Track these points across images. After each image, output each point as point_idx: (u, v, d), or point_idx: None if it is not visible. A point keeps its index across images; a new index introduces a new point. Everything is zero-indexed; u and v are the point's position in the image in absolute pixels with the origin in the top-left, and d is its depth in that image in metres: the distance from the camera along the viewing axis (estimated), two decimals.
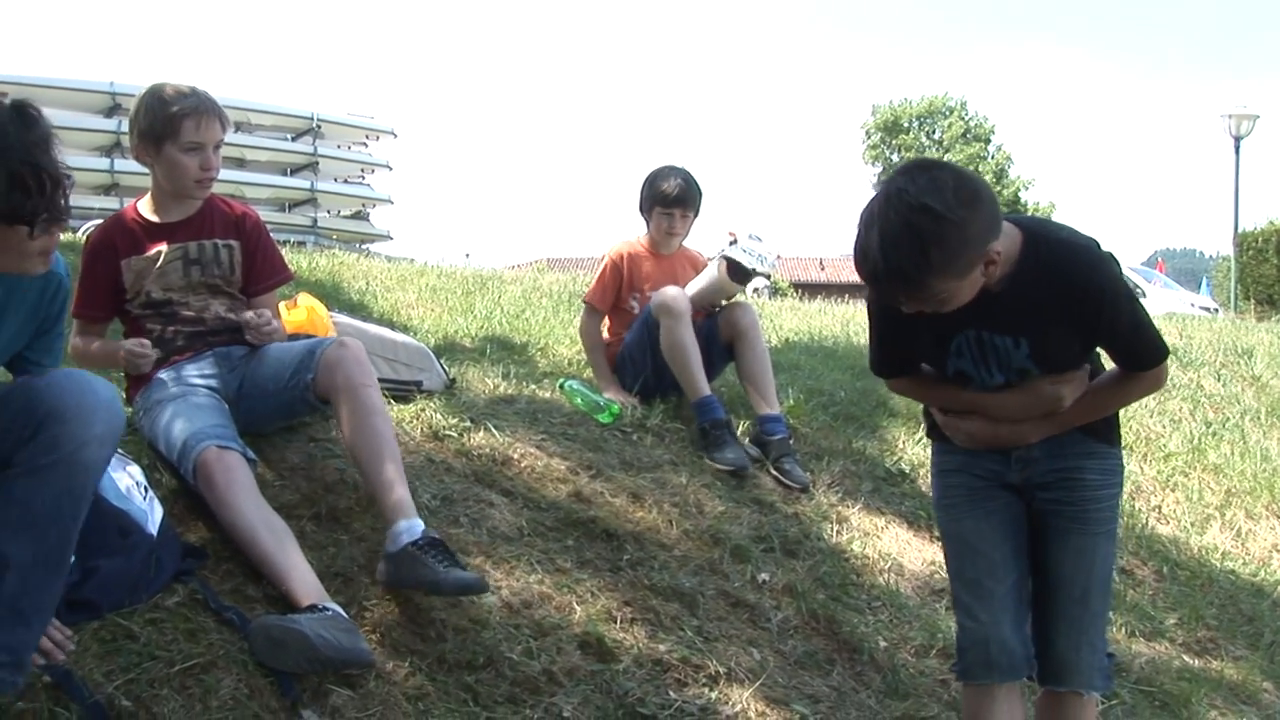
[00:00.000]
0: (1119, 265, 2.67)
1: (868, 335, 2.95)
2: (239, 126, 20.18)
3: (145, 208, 3.63)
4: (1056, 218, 48.01)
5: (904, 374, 2.95)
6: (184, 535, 3.09)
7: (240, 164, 19.61)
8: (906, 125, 50.65)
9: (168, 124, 3.41)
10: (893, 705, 3.45)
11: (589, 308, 5.28)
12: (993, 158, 48.13)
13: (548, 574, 3.47)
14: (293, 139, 21.07)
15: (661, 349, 4.78)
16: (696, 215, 5.23)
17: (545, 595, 3.35)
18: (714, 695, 3.20)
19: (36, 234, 2.17)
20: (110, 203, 18.23)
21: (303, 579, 2.90)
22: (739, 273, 4.79)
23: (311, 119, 20.88)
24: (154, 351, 3.40)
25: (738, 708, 3.17)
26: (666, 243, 5.21)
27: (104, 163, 18.81)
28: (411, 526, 3.07)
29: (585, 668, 3.11)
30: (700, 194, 5.19)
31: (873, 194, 2.44)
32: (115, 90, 19.02)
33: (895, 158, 50.79)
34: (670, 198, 5.10)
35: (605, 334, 5.29)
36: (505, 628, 3.14)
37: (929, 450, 5.34)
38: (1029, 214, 3.94)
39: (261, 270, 3.73)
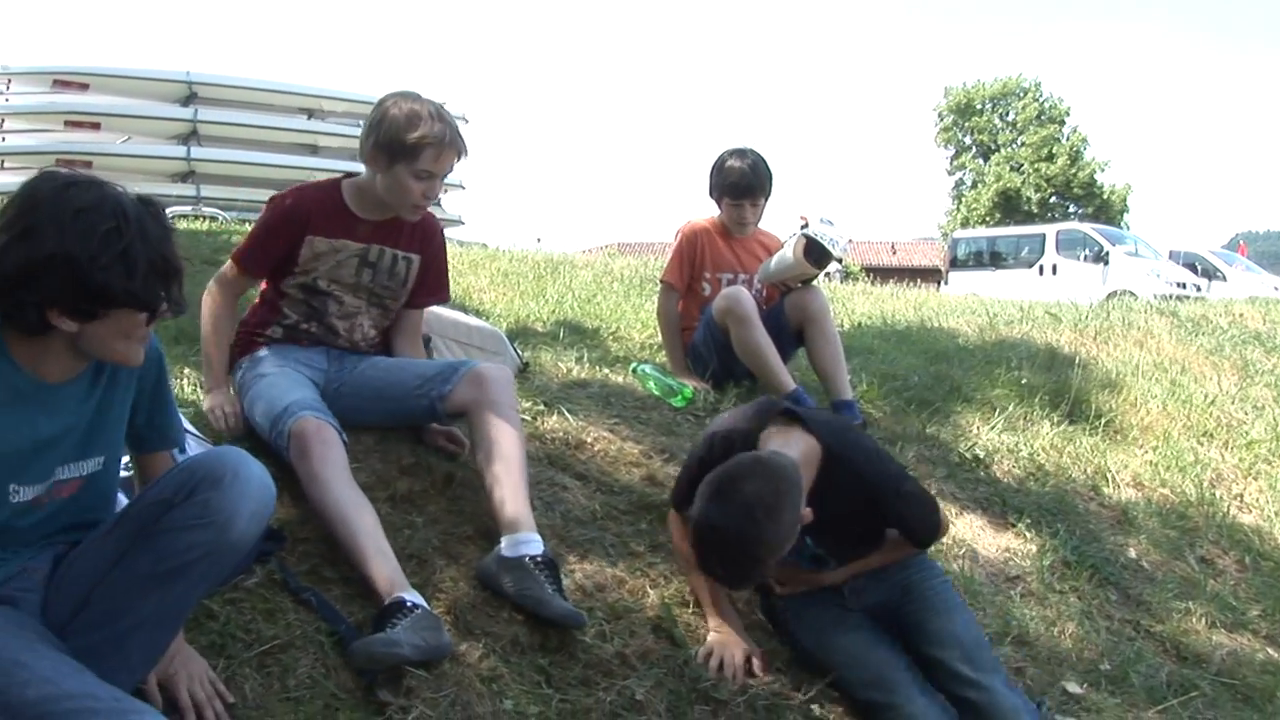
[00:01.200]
0: (901, 467, 3.27)
1: (680, 475, 3.38)
2: (311, 113, 20.26)
3: (349, 194, 3.56)
4: (1133, 200, 47.24)
5: None
6: None
7: (313, 150, 19.66)
8: (979, 107, 49.89)
9: (409, 149, 3.33)
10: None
11: (666, 287, 5.20)
12: (1067, 139, 47.27)
13: (621, 557, 3.47)
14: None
15: (736, 353, 4.74)
16: (768, 199, 5.13)
17: (618, 579, 3.36)
18: (786, 680, 3.19)
19: (151, 321, 2.22)
20: (186, 189, 18.36)
21: (386, 567, 2.88)
22: (816, 254, 4.67)
23: None
24: (235, 429, 3.41)
25: (809, 694, 3.15)
26: (739, 229, 5.13)
27: (180, 150, 18.91)
28: (533, 541, 3.08)
29: (658, 651, 3.11)
30: (770, 177, 5.07)
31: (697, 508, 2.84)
32: (191, 79, 19.11)
33: (968, 140, 50.16)
34: (739, 188, 5.02)
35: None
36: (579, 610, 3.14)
37: (1002, 437, 5.32)
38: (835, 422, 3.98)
39: (428, 287, 3.76)
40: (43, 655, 2.08)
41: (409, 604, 2.75)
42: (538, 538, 3.11)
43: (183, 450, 2.87)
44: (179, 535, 2.20)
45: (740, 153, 5.06)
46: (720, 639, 3.18)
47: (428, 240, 3.68)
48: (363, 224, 3.53)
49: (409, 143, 3.31)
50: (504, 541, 3.10)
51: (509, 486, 3.19)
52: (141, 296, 2.13)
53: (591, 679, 2.92)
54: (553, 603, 2.95)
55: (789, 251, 4.74)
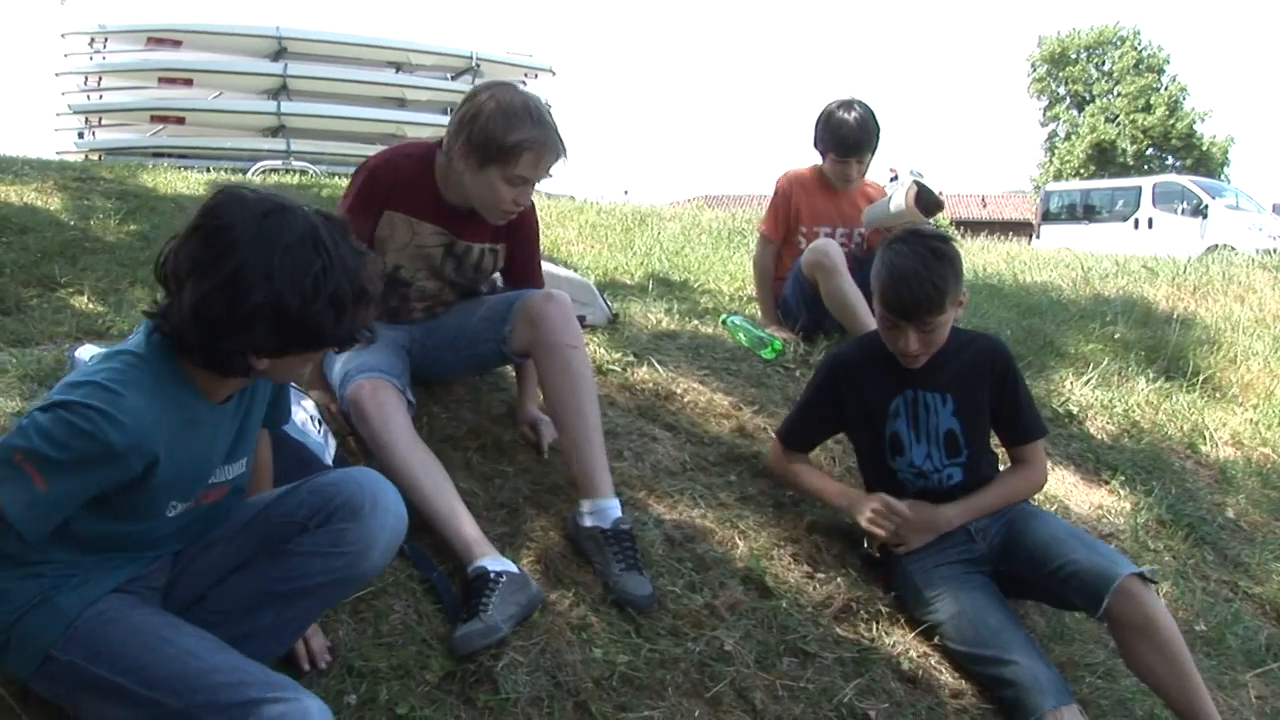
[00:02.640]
0: None
1: (797, 403, 3.64)
2: (399, 67, 20.43)
3: (440, 173, 3.25)
4: (1236, 152, 45.79)
5: (808, 448, 3.62)
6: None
7: (401, 104, 19.85)
8: (1074, 57, 48.65)
9: (505, 153, 3.04)
10: (1057, 649, 3.38)
11: (763, 238, 5.15)
12: (1165, 89, 46.00)
13: (710, 509, 3.47)
14: (452, 78, 21.16)
15: (826, 305, 4.68)
16: (874, 154, 4.99)
17: (708, 530, 3.36)
18: (875, 634, 3.18)
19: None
20: (277, 144, 18.63)
21: (463, 528, 2.84)
22: (926, 202, 4.55)
23: (471, 58, 20.92)
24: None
25: (899, 648, 3.13)
26: (842, 184, 5.03)
27: (271, 105, 19.19)
28: (603, 511, 3.02)
29: (747, 603, 3.10)
30: (878, 132, 4.93)
31: (887, 247, 3.24)
32: (281, 34, 19.37)
33: (1061, 91, 49.07)
34: (846, 144, 4.87)
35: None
36: (668, 561, 3.15)
37: (1096, 393, 5.23)
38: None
39: (515, 276, 3.53)
40: (185, 632, 2.07)
41: (492, 574, 2.71)
42: (610, 504, 3.03)
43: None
44: (310, 560, 2.18)
45: (848, 105, 4.91)
46: (854, 500, 3.38)
47: (514, 230, 3.41)
48: (447, 210, 3.28)
49: (505, 145, 3.03)
50: (580, 506, 3.06)
51: (578, 444, 3.09)
52: (347, 337, 2.05)
53: (680, 629, 2.92)
54: (617, 583, 2.92)
55: (900, 199, 4.63)
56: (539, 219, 3.55)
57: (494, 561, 2.76)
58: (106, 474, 1.93)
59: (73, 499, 1.94)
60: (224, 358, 2.00)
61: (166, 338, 2.02)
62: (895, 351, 3.26)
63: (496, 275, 3.62)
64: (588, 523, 3.02)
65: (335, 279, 1.96)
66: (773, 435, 3.72)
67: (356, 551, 2.17)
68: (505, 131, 3.02)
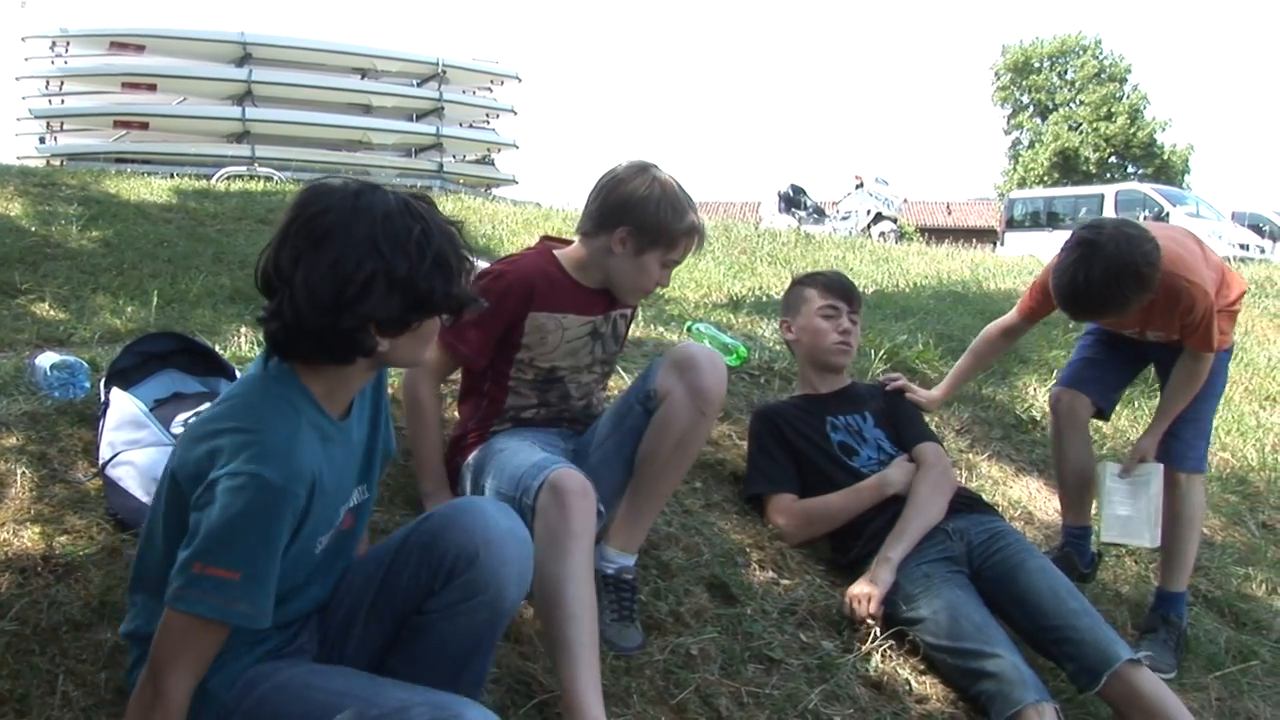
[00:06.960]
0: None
1: (748, 465, 3.75)
2: (365, 73, 20.36)
3: (570, 264, 3.16)
4: (1196, 160, 46.31)
5: (788, 488, 3.61)
6: None
7: (367, 110, 19.75)
8: (1037, 65, 49.01)
9: (673, 238, 3.03)
10: (1025, 652, 3.40)
11: (1017, 315, 4.13)
12: (1127, 98, 46.42)
13: (675, 515, 3.47)
14: (418, 84, 21.03)
15: (1055, 464, 4.16)
16: (1122, 313, 3.49)
17: (673, 537, 3.36)
18: (840, 640, 3.19)
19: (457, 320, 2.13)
20: (241, 150, 18.52)
21: (593, 693, 2.47)
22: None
23: (436, 64, 20.81)
24: None
25: (865, 654, 3.14)
26: None
27: (235, 111, 19.05)
28: (616, 561, 2.94)
29: (712, 609, 3.11)
30: (1115, 297, 3.34)
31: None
32: (245, 40, 19.21)
33: (1025, 99, 49.43)
34: (1064, 305, 3.54)
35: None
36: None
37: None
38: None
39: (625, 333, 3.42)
40: (331, 675, 2.04)
41: None
42: (623, 558, 2.94)
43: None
44: (454, 619, 2.13)
45: (1087, 253, 3.35)
46: (871, 487, 3.54)
47: None
48: (588, 296, 3.16)
49: (675, 231, 3.03)
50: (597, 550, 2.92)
51: (640, 502, 2.97)
52: (460, 302, 2.05)
53: (645, 637, 2.92)
54: (605, 631, 2.79)
55: (1142, 532, 3.82)
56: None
57: None
58: (284, 517, 1.89)
59: (269, 564, 1.89)
60: (347, 338, 1.97)
61: (281, 351, 2.01)
62: (835, 340, 3.75)
63: None
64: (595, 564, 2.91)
65: (437, 242, 1.99)
66: (747, 433, 3.78)
67: (490, 596, 2.12)
68: (675, 218, 3.02)
